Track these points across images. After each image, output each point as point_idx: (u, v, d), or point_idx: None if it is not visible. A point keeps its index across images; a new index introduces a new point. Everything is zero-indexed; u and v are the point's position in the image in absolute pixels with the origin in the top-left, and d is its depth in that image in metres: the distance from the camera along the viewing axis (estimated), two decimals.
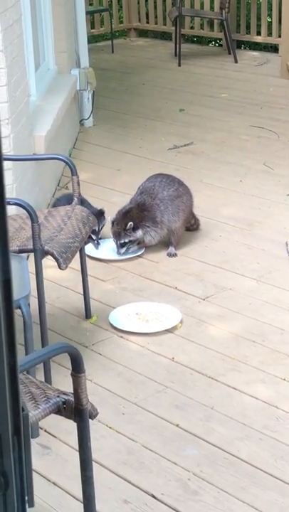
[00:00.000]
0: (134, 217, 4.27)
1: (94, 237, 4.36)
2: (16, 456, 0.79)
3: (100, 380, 3.26)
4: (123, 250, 4.29)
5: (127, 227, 4.23)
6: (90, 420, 2.21)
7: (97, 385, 3.22)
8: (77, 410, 2.16)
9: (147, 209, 4.31)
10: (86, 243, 4.22)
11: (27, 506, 0.84)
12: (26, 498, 0.82)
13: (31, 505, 1.17)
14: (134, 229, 4.24)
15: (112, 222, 4.31)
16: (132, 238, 4.27)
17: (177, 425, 2.99)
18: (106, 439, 2.93)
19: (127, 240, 4.26)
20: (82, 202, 3.90)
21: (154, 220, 4.30)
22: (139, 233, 4.27)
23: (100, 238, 4.43)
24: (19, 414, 0.79)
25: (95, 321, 3.71)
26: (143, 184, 4.44)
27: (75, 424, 2.22)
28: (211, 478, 2.72)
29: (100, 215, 4.37)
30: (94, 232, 4.32)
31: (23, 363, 1.87)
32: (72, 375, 2.14)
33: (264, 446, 2.87)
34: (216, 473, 2.75)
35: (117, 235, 4.28)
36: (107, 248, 4.40)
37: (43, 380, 3.14)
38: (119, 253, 4.29)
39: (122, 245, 4.28)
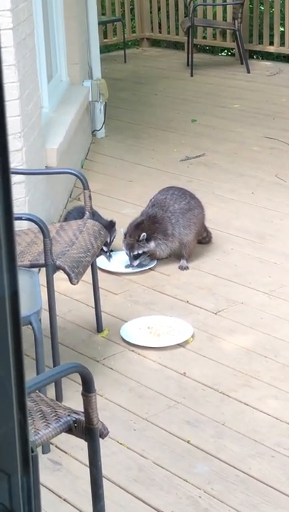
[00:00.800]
0: (146, 229, 4.27)
1: (105, 249, 4.37)
2: (25, 496, 0.79)
3: (111, 396, 3.25)
4: (136, 262, 4.28)
5: (140, 238, 4.22)
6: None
7: (108, 400, 3.22)
8: (87, 429, 2.15)
9: (158, 221, 4.31)
10: (98, 255, 4.25)
11: None
12: None
13: None
14: (147, 240, 4.25)
15: (125, 235, 4.30)
16: (145, 249, 4.27)
17: (188, 442, 2.98)
18: (117, 455, 2.92)
19: (140, 252, 4.26)
20: (93, 214, 3.90)
21: (165, 233, 4.30)
22: (152, 244, 4.27)
23: (112, 250, 4.43)
24: (28, 454, 0.78)
25: (107, 335, 3.71)
26: (155, 197, 4.44)
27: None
28: (222, 496, 2.71)
29: (110, 226, 4.37)
30: (105, 244, 4.31)
31: (34, 383, 1.86)
32: (82, 394, 2.13)
33: (276, 464, 2.85)
34: (227, 491, 2.73)
35: (130, 247, 4.27)
36: (119, 261, 4.40)
37: (54, 395, 3.14)
38: (132, 265, 4.28)
39: (136, 257, 4.26)
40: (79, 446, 2.88)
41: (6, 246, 0.80)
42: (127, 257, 4.33)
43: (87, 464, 2.28)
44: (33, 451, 0.85)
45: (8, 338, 0.79)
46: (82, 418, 2.16)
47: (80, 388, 3.06)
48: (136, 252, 4.25)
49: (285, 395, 3.24)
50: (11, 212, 0.80)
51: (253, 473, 2.81)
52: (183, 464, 2.86)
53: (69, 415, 2.19)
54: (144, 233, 4.23)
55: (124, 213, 4.87)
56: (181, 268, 4.34)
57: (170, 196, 4.39)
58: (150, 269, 4.35)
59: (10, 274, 0.82)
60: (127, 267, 4.31)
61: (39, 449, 2.80)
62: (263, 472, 2.82)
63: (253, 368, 3.44)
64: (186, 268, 4.34)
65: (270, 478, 2.79)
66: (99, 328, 3.73)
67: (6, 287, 0.80)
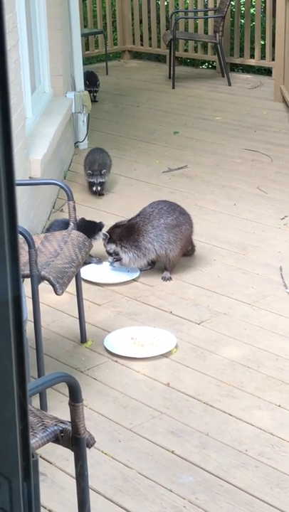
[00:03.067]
0: (116, 233, 4.37)
1: (95, 259, 4.47)
2: (26, 501, 0.80)
3: (95, 406, 3.25)
4: (110, 259, 4.41)
5: (102, 236, 4.39)
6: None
7: (93, 410, 3.22)
8: (74, 439, 2.16)
9: (132, 232, 4.34)
10: (87, 263, 4.39)
11: None
12: None
13: None
14: (109, 241, 4.36)
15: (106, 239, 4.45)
16: (106, 248, 4.39)
17: (173, 452, 2.99)
18: (101, 465, 2.92)
19: (108, 249, 4.38)
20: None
21: (135, 244, 4.33)
22: (112, 247, 4.36)
23: (99, 259, 4.50)
24: (29, 460, 0.79)
25: (91, 346, 3.72)
26: (145, 208, 4.47)
27: (71, 451, 2.22)
28: (207, 506, 2.72)
29: (99, 228, 4.49)
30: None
31: None
32: (69, 404, 2.14)
33: (260, 474, 2.86)
34: (211, 501, 2.74)
35: (110, 250, 4.42)
36: (102, 271, 4.41)
37: (39, 405, 3.14)
38: (109, 261, 4.43)
39: (109, 254, 4.40)
40: (64, 456, 2.88)
41: (10, 252, 0.82)
42: (110, 268, 4.43)
43: (73, 474, 2.29)
44: (33, 456, 0.86)
45: (11, 342, 0.80)
46: (69, 428, 2.17)
47: (65, 398, 3.07)
48: (106, 249, 4.39)
49: (269, 405, 3.26)
50: (15, 219, 0.82)
51: (237, 483, 2.82)
52: (167, 474, 2.87)
53: (56, 425, 2.19)
54: (105, 233, 4.38)
55: (108, 225, 4.88)
56: (164, 279, 4.36)
57: (158, 210, 4.39)
58: (134, 280, 4.37)
59: (13, 279, 0.83)
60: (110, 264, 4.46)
61: None
62: (247, 482, 2.83)
63: (237, 378, 3.46)
64: (170, 279, 4.36)
65: (254, 488, 2.80)
66: (83, 339, 3.74)
67: (10, 292, 0.81)
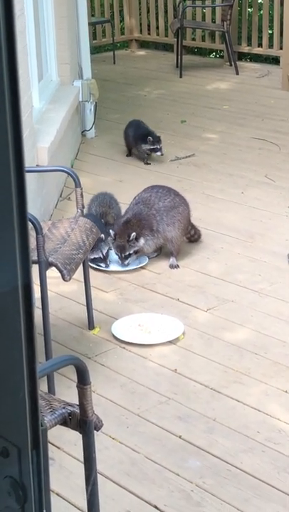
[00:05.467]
0: (134, 227, 4.30)
1: (103, 265, 4.34)
2: (35, 470, 0.81)
3: (102, 391, 3.27)
4: (127, 261, 4.31)
5: (131, 238, 4.25)
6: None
7: (100, 396, 3.24)
8: (82, 422, 2.17)
9: (144, 218, 4.34)
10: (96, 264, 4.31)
11: None
12: (44, 511, 0.84)
13: None
14: (137, 239, 4.28)
15: (114, 236, 4.31)
16: (136, 248, 4.30)
17: (180, 437, 3.00)
18: (109, 450, 2.94)
19: (131, 252, 4.29)
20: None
21: (152, 229, 4.34)
22: (142, 241, 4.31)
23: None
24: (38, 428, 0.80)
25: (98, 332, 3.73)
26: (139, 195, 4.48)
27: (78, 436, 2.24)
28: (214, 490, 2.73)
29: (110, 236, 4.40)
30: (103, 260, 4.32)
31: None
32: (78, 386, 2.15)
33: (267, 459, 2.88)
34: (218, 485, 2.76)
35: (121, 248, 4.29)
36: (110, 259, 4.42)
37: (46, 390, 3.16)
38: (123, 265, 4.31)
39: (127, 257, 4.30)
40: (72, 441, 2.90)
41: (20, 240, 0.83)
42: (122, 266, 4.34)
43: (80, 459, 2.30)
44: (42, 425, 0.87)
45: (21, 326, 0.81)
46: (77, 410, 2.18)
47: (72, 384, 3.08)
48: (127, 253, 4.28)
49: (275, 391, 3.27)
50: (25, 207, 0.83)
51: (244, 468, 2.84)
52: (175, 459, 2.89)
53: (64, 408, 2.21)
54: (133, 233, 4.26)
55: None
56: (172, 267, 4.37)
57: (154, 194, 4.42)
58: (141, 267, 4.38)
59: (23, 267, 0.84)
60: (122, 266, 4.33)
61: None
62: (254, 467, 2.84)
63: (244, 364, 3.47)
64: (177, 266, 4.36)
65: (261, 473, 2.81)
66: (90, 326, 3.75)
67: (20, 279, 0.82)
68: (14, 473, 0.80)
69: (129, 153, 6.24)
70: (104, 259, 4.31)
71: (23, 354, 0.78)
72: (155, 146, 5.97)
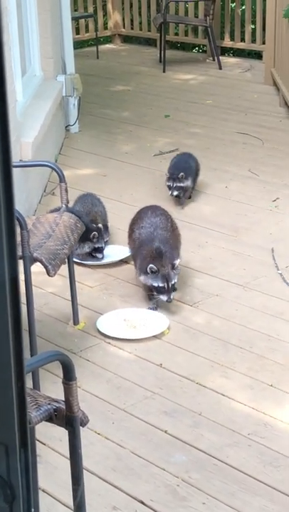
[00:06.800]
0: (169, 254, 3.88)
1: (99, 255, 4.32)
2: (23, 468, 0.80)
3: (88, 387, 3.26)
4: (174, 294, 3.83)
5: (176, 266, 3.84)
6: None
7: (86, 391, 3.23)
8: (68, 418, 2.16)
9: (169, 242, 3.98)
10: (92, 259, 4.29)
11: None
12: (32, 510, 0.83)
13: None
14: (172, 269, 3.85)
15: (156, 271, 3.80)
16: (177, 274, 3.88)
17: (166, 431, 3.00)
18: (95, 445, 2.94)
19: (176, 280, 3.84)
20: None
21: (177, 249, 4.04)
22: (179, 266, 3.93)
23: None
24: (26, 426, 0.80)
25: (83, 328, 3.72)
26: (147, 220, 4.07)
27: (64, 432, 2.23)
28: (200, 485, 2.74)
29: (105, 229, 4.38)
30: (99, 250, 4.31)
31: None
32: (63, 382, 2.14)
33: (252, 453, 2.88)
34: (204, 480, 2.76)
35: (167, 278, 3.79)
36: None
37: (31, 386, 3.14)
38: (171, 299, 3.81)
39: (174, 287, 3.82)
40: (57, 437, 2.89)
41: (7, 234, 0.82)
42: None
43: (66, 455, 2.29)
44: (30, 423, 0.86)
45: (8, 320, 0.80)
46: (63, 406, 2.17)
47: (57, 379, 3.07)
48: (173, 281, 3.81)
49: (261, 385, 3.28)
50: (12, 201, 0.82)
51: (230, 462, 2.84)
52: (161, 453, 2.89)
53: (49, 404, 2.20)
54: (177, 260, 3.87)
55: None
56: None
57: (161, 217, 4.11)
58: (125, 262, 4.37)
59: (10, 261, 0.83)
60: (168, 301, 3.83)
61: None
62: (240, 461, 2.85)
63: (229, 359, 3.47)
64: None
65: (247, 467, 2.82)
66: (75, 321, 3.74)
67: (7, 273, 0.82)
68: (2, 472, 0.79)
69: None
70: (101, 250, 4.30)
71: (10, 349, 0.78)
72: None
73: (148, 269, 3.80)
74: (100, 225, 4.36)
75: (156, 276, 3.79)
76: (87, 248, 4.29)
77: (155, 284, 3.79)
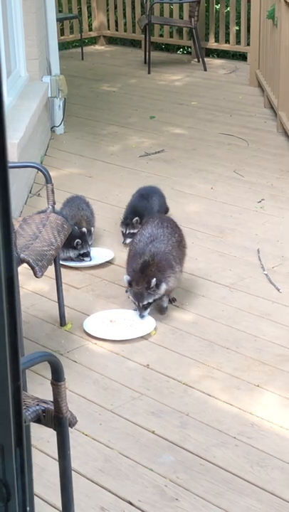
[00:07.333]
0: (155, 271, 3.73)
1: (87, 259, 4.31)
2: (18, 468, 0.80)
3: (75, 388, 3.26)
4: (146, 312, 3.74)
5: (151, 285, 3.67)
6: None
7: (73, 392, 3.23)
8: (56, 419, 2.16)
9: (164, 258, 3.79)
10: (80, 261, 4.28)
11: None
12: (28, 509, 0.83)
13: None
14: (158, 285, 3.70)
15: (130, 283, 3.73)
16: (156, 297, 3.72)
17: (153, 432, 3.01)
18: (82, 446, 2.94)
19: (151, 300, 3.71)
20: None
21: (172, 266, 3.82)
22: (163, 288, 3.74)
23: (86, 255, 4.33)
24: (21, 425, 0.80)
25: (70, 329, 3.72)
26: (148, 231, 3.88)
27: (52, 433, 2.23)
28: (188, 485, 2.74)
29: (89, 234, 4.35)
30: (87, 255, 4.30)
31: None
32: (52, 383, 2.14)
33: (240, 453, 2.89)
34: (192, 480, 2.76)
35: (138, 296, 3.70)
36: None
37: None
38: (141, 316, 3.73)
39: (145, 307, 3.72)
40: (44, 438, 2.89)
41: (3, 235, 0.82)
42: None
43: (54, 456, 2.30)
44: (25, 422, 0.86)
45: (4, 320, 0.81)
46: (51, 407, 2.17)
47: (45, 381, 3.08)
48: (145, 302, 3.70)
49: (247, 385, 3.29)
50: (8, 202, 0.82)
51: (217, 462, 2.85)
52: (148, 454, 2.89)
53: (37, 405, 2.20)
54: (154, 279, 3.67)
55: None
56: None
57: (166, 230, 3.92)
58: (111, 263, 4.37)
59: (7, 261, 0.83)
60: (140, 317, 3.76)
61: None
62: (227, 461, 2.86)
63: (216, 359, 3.48)
64: (174, 300, 4.10)
65: (234, 467, 2.83)
66: (62, 322, 3.74)
67: (3, 272, 0.82)
68: None
69: None
70: (88, 254, 4.29)
71: (6, 349, 0.78)
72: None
73: (124, 279, 3.79)
74: (83, 229, 4.30)
75: (131, 291, 3.75)
76: (72, 254, 4.28)
77: (131, 297, 3.79)
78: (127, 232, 4.48)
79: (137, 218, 4.43)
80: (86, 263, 4.33)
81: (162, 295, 3.77)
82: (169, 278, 3.78)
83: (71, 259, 4.32)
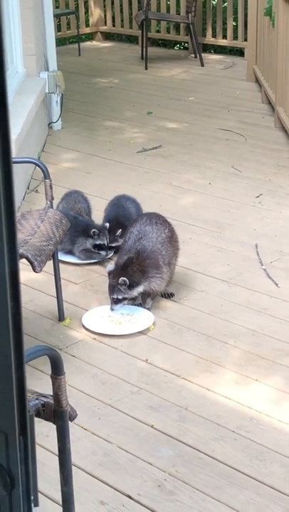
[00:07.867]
0: (135, 271, 3.73)
1: (103, 253, 4.29)
2: (22, 456, 0.81)
3: (74, 383, 3.27)
4: (117, 307, 3.74)
5: (120, 282, 3.69)
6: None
7: (72, 387, 3.23)
8: (56, 412, 2.17)
9: (149, 256, 3.79)
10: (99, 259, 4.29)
11: (32, 506, 0.85)
12: (32, 497, 0.84)
13: (36, 504, 1.18)
14: (130, 287, 3.70)
15: (108, 274, 3.79)
16: (125, 295, 3.72)
17: (152, 426, 3.02)
18: (82, 440, 2.94)
19: (120, 297, 3.72)
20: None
21: (158, 266, 3.79)
22: (136, 291, 3.74)
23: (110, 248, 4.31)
24: (25, 414, 0.81)
25: (69, 324, 3.73)
26: (137, 228, 3.87)
27: (51, 427, 2.23)
28: (187, 479, 2.75)
29: (105, 228, 4.31)
30: (102, 247, 4.28)
31: None
32: (52, 377, 2.15)
33: (238, 447, 2.90)
34: (191, 474, 2.77)
35: (110, 289, 3.75)
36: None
37: None
38: (111, 309, 3.75)
39: (115, 302, 3.73)
40: (44, 433, 2.89)
41: (7, 228, 0.83)
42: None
43: (53, 450, 2.31)
44: (29, 411, 0.87)
45: (8, 312, 0.81)
46: (51, 401, 2.18)
47: (44, 376, 3.08)
48: (115, 296, 3.73)
49: (245, 379, 3.30)
50: (12, 196, 0.83)
51: (216, 456, 2.86)
52: (147, 448, 2.90)
53: (37, 399, 2.20)
54: (124, 278, 3.68)
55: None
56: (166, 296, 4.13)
57: (155, 226, 3.90)
58: (110, 258, 4.38)
59: (10, 255, 0.84)
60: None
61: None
62: (226, 455, 2.86)
63: (214, 354, 3.49)
64: (171, 295, 4.10)
65: (233, 461, 2.84)
66: (60, 317, 3.75)
67: (7, 266, 0.83)
68: (1, 460, 0.80)
69: None
70: (103, 247, 4.27)
71: (10, 340, 0.79)
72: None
73: (107, 268, 3.85)
74: (106, 224, 4.30)
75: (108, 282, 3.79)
76: (88, 244, 4.26)
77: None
78: (114, 245, 4.35)
79: (120, 230, 4.30)
80: (85, 260, 4.32)
81: (136, 296, 3.79)
82: (153, 279, 3.77)
83: (86, 252, 4.28)
